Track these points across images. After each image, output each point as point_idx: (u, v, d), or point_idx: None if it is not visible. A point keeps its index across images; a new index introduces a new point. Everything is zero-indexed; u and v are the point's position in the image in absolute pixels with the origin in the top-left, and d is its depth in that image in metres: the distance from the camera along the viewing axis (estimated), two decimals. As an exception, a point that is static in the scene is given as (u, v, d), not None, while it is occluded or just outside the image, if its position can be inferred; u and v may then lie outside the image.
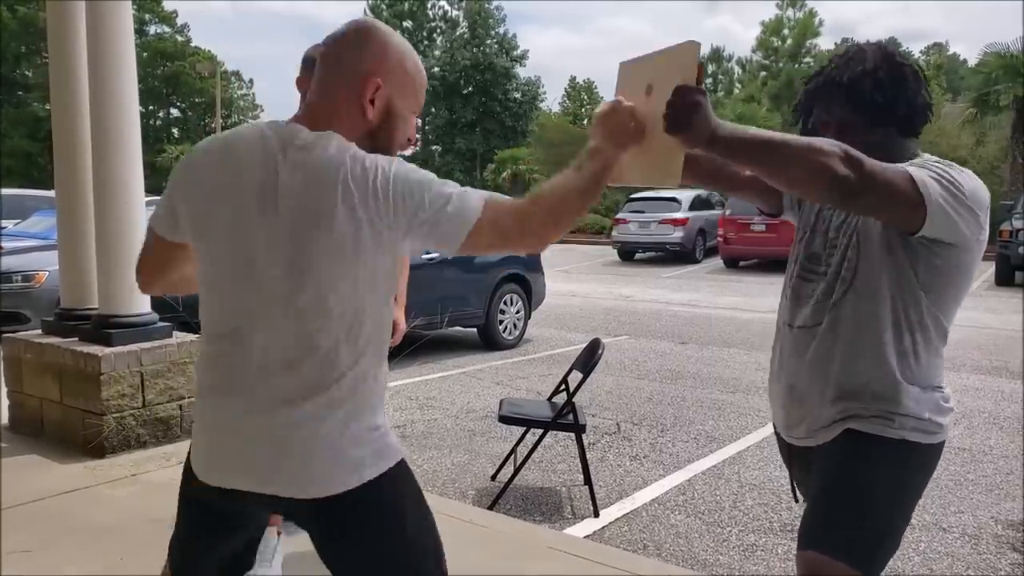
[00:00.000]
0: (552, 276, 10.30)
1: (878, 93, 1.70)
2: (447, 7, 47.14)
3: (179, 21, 43.66)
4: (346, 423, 1.40)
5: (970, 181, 1.61)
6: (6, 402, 4.68)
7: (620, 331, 9.53)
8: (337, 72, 1.43)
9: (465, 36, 45.48)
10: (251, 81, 49.10)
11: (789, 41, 32.91)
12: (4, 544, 2.93)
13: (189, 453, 1.53)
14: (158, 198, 1.59)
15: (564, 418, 3.98)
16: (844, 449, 1.73)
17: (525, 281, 8.52)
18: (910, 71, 1.74)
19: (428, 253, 7.36)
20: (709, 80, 36.48)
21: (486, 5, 45.10)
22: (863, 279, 1.69)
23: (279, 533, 2.62)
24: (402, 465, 1.47)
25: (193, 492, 1.50)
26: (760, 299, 12.32)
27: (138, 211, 4.25)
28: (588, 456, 4.21)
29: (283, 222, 1.35)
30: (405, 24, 46.75)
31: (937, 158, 1.67)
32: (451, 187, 1.38)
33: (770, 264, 16.58)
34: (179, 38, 43.36)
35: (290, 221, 1.35)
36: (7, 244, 8.16)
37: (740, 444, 5.07)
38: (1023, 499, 4.17)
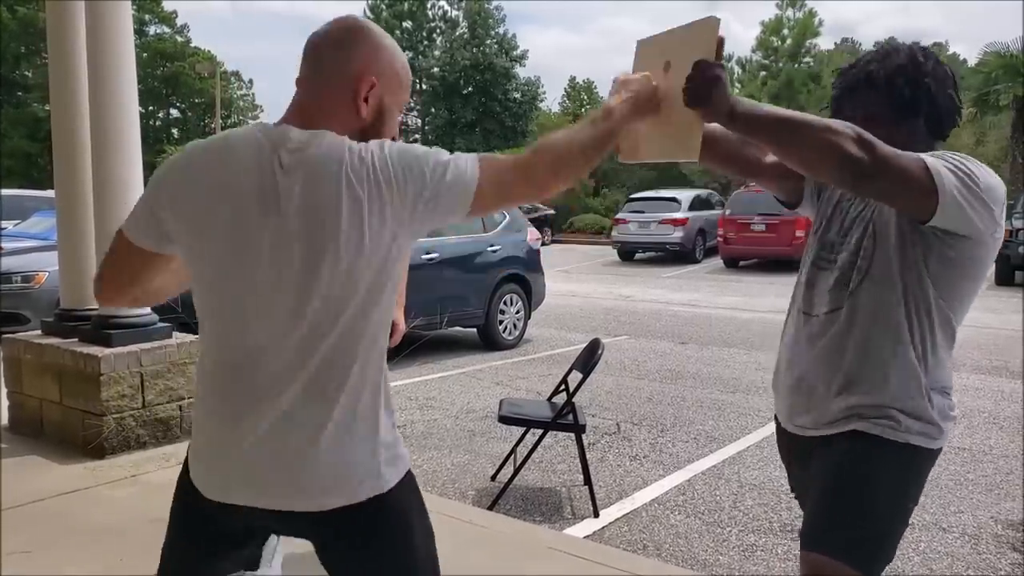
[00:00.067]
0: (552, 276, 10.31)
1: (909, 89, 1.71)
2: (447, 7, 47.14)
3: (179, 21, 43.65)
4: (358, 433, 1.37)
5: (986, 175, 1.60)
6: (6, 403, 4.68)
7: (620, 331, 9.53)
8: (330, 71, 1.41)
9: (465, 36, 45.46)
10: (251, 81, 49.05)
11: (789, 41, 32.87)
12: (4, 545, 2.93)
13: (186, 469, 1.46)
14: None
15: (564, 418, 3.98)
16: (847, 450, 1.73)
17: (525, 281, 8.53)
18: (943, 72, 1.74)
19: (428, 253, 7.40)
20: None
21: (486, 5, 45.07)
22: (879, 268, 1.69)
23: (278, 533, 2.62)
24: (410, 474, 1.46)
25: (193, 510, 1.44)
26: (760, 299, 12.32)
27: (138, 212, 4.24)
28: (588, 456, 4.21)
29: (286, 223, 1.32)
30: (405, 24, 46.75)
31: (955, 152, 1.67)
32: (444, 155, 1.37)
33: (770, 264, 16.58)
34: (179, 38, 43.32)
35: (294, 221, 1.31)
36: (7, 245, 8.16)
37: (740, 444, 5.07)
38: (1023, 499, 4.17)
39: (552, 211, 24.52)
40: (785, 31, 33.00)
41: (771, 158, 1.88)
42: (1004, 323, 9.75)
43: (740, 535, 3.69)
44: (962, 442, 5.08)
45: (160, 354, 4.27)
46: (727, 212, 17.27)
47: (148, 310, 4.34)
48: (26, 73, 35.77)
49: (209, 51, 43.30)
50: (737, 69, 34.10)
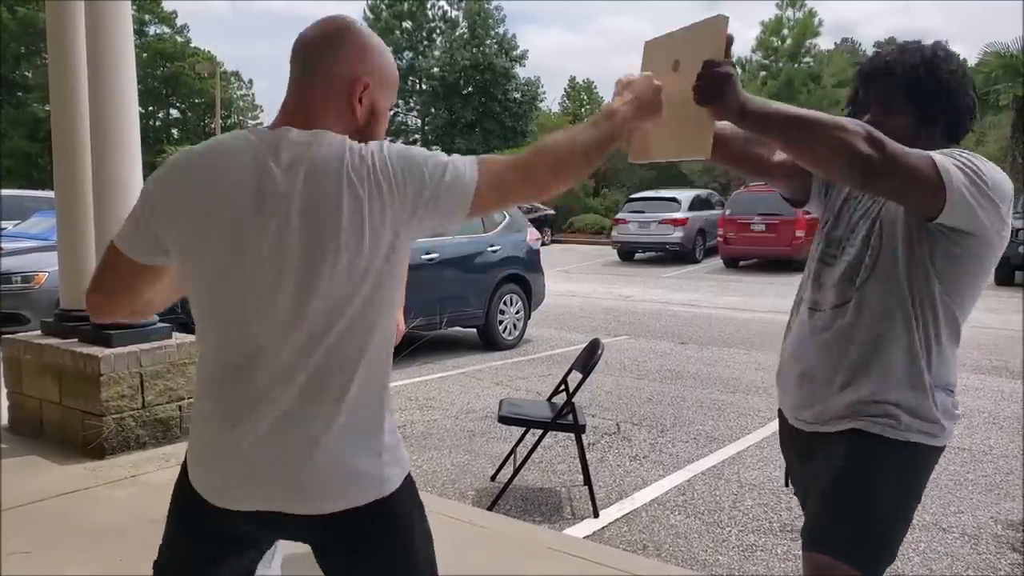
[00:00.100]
0: (552, 276, 10.31)
1: (930, 83, 1.72)
2: (447, 7, 47.12)
3: (179, 22, 43.64)
4: (359, 435, 1.36)
5: (994, 172, 1.61)
6: (6, 403, 4.68)
7: (620, 331, 9.53)
8: (324, 73, 1.40)
9: (465, 36, 45.45)
10: (251, 81, 49.06)
11: (789, 41, 32.86)
12: (4, 545, 2.93)
13: (184, 472, 1.45)
14: None
15: (564, 418, 3.98)
16: (848, 449, 1.73)
17: (525, 281, 8.53)
18: (964, 72, 1.76)
19: (428, 253, 7.40)
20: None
21: (486, 5, 45.07)
22: (885, 264, 1.70)
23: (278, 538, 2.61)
24: (410, 476, 1.45)
25: (192, 514, 1.43)
26: (760, 299, 12.32)
27: (138, 212, 4.25)
28: (588, 456, 4.21)
29: (287, 223, 1.31)
30: (405, 24, 46.73)
31: (963, 149, 1.68)
32: (443, 157, 1.37)
33: (770, 264, 16.59)
34: (179, 39, 43.32)
35: (295, 220, 1.30)
36: (7, 245, 8.16)
37: (740, 444, 5.07)
38: (1023, 499, 4.17)
39: (552, 211, 24.52)
40: (785, 31, 32.98)
41: (779, 157, 1.89)
42: (1004, 323, 9.75)
43: (740, 535, 3.69)
44: (962, 442, 5.08)
45: (160, 354, 4.27)
46: (727, 212, 17.27)
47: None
48: (26, 73, 35.78)
49: (209, 51, 43.33)
50: (737, 69, 34.12)
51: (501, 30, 45.68)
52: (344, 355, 1.34)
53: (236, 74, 47.76)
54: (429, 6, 46.83)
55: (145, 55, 38.52)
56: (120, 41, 4.19)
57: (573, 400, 4.01)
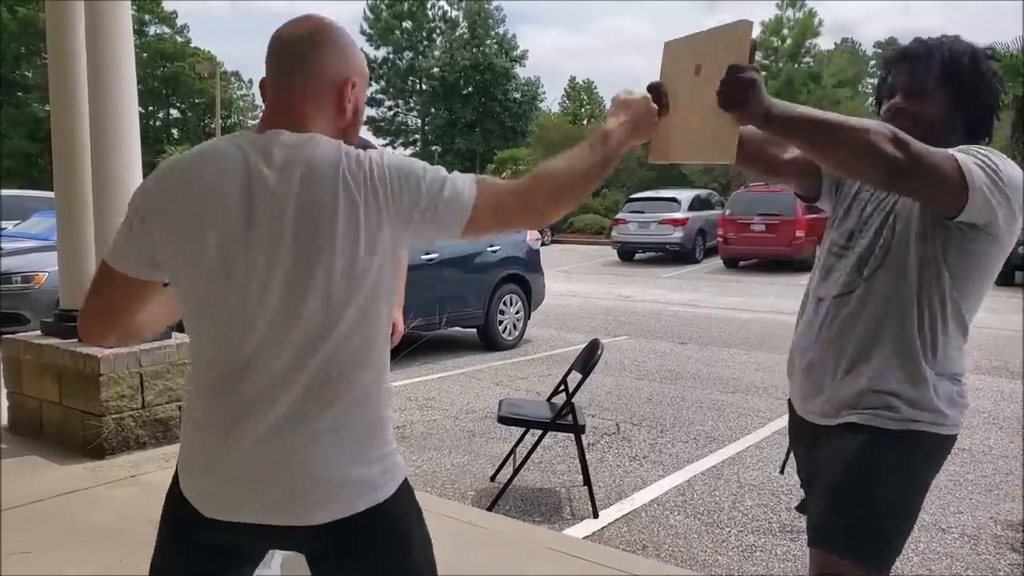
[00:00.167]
0: (552, 276, 10.31)
1: (972, 75, 1.73)
2: (447, 7, 47.18)
3: (179, 22, 43.70)
4: (352, 444, 1.34)
5: (1008, 167, 1.62)
6: (6, 403, 4.68)
7: (620, 331, 9.53)
8: (315, 74, 1.38)
9: (465, 36, 45.48)
10: (251, 81, 49.01)
11: (789, 41, 32.90)
12: (4, 545, 2.94)
13: (176, 483, 1.42)
14: None
15: (563, 419, 3.98)
16: (849, 444, 1.74)
17: (525, 281, 8.53)
18: (995, 72, 1.77)
19: (428, 253, 7.40)
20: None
21: (486, 5, 45.10)
22: (895, 258, 1.71)
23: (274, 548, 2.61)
24: (406, 481, 1.43)
25: (183, 525, 1.40)
26: (760, 299, 12.33)
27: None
28: (587, 457, 4.21)
29: (281, 225, 1.28)
30: (405, 24, 46.78)
31: (978, 146, 1.69)
32: (442, 172, 1.36)
33: (770, 264, 16.60)
34: (179, 39, 43.35)
35: (289, 223, 1.29)
36: (7, 245, 8.16)
37: (739, 445, 5.07)
38: (1022, 499, 4.17)
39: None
40: (785, 31, 33.01)
41: (790, 154, 1.90)
42: (1004, 323, 9.75)
43: (739, 536, 3.69)
44: (962, 442, 5.07)
45: (159, 355, 4.27)
46: (727, 212, 17.29)
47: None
48: (26, 73, 35.80)
49: (209, 51, 43.40)
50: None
51: (501, 30, 45.74)
52: (338, 362, 1.32)
53: (236, 74, 47.80)
54: (429, 6, 46.88)
55: (145, 55, 38.54)
56: (120, 41, 4.19)
57: (573, 400, 4.01)
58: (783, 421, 5.57)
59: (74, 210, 4.53)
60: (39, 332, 4.70)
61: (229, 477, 1.34)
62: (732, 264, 17.45)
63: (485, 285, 8.06)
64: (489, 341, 8.26)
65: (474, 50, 44.00)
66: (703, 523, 3.83)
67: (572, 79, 45.99)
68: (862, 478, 1.71)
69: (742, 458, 4.81)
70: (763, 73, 1.44)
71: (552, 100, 56.98)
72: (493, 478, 4.39)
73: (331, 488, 1.32)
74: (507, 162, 32.72)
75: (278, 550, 2.61)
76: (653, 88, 1.65)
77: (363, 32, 46.47)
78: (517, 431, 4.38)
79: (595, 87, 45.05)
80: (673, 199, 18.76)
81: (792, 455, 2.05)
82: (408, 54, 47.10)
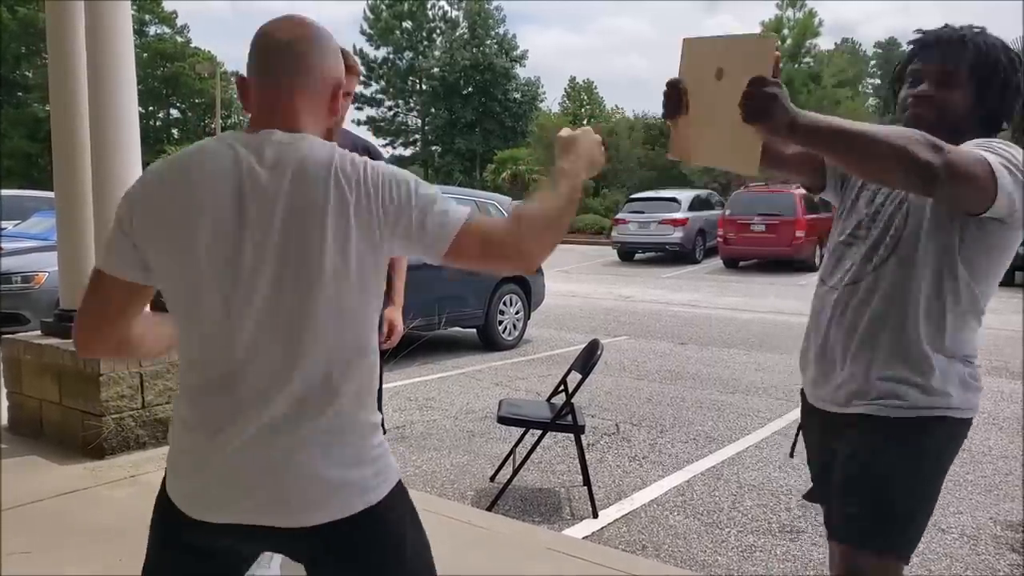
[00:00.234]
0: (552, 276, 10.31)
1: (1007, 69, 1.73)
2: (447, 7, 47.17)
3: (179, 22, 43.70)
4: (344, 445, 1.33)
5: (1020, 156, 1.63)
6: (5, 403, 4.68)
7: (620, 331, 9.53)
8: (308, 75, 1.38)
9: (465, 36, 45.48)
10: (251, 82, 49.03)
11: (789, 41, 32.87)
12: (4, 545, 2.94)
13: (164, 486, 1.40)
14: None
15: (563, 419, 3.98)
16: (860, 436, 1.77)
17: (524, 281, 8.53)
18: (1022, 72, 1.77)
19: (427, 254, 7.39)
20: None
21: (486, 5, 45.10)
22: (907, 247, 1.72)
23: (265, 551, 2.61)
24: (400, 483, 1.42)
25: (172, 529, 1.39)
26: (760, 299, 12.33)
27: (137, 212, 4.25)
28: (587, 457, 4.22)
29: (271, 225, 1.28)
30: (405, 24, 46.76)
31: (999, 139, 1.69)
32: (434, 189, 1.36)
33: (770, 264, 16.61)
34: (179, 39, 43.36)
35: (280, 222, 1.28)
36: (7, 245, 8.17)
37: (739, 445, 5.08)
38: (1022, 500, 4.17)
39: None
40: (785, 31, 32.98)
41: (793, 149, 1.91)
42: (1004, 323, 9.76)
43: (739, 536, 3.69)
44: (961, 443, 5.08)
45: (160, 354, 4.26)
46: (727, 212, 17.29)
47: (148, 310, 4.33)
48: (26, 73, 35.81)
49: (209, 51, 43.42)
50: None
51: (501, 30, 45.74)
52: (333, 359, 1.32)
53: (236, 74, 47.65)
54: (429, 6, 46.87)
55: (145, 55, 38.55)
56: (120, 41, 4.19)
57: (572, 400, 4.01)
58: (783, 421, 5.60)
59: (74, 210, 4.52)
60: (39, 332, 4.69)
61: (216, 478, 1.33)
62: (732, 264, 17.45)
63: (485, 285, 8.06)
64: (489, 341, 8.27)
65: (474, 50, 44.00)
66: (703, 523, 3.83)
67: (572, 79, 45.94)
68: (875, 470, 1.74)
69: (742, 458, 4.81)
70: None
71: (552, 100, 56.90)
72: (493, 478, 4.39)
73: (323, 490, 1.31)
74: (507, 162, 32.70)
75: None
76: (673, 85, 1.66)
77: (363, 32, 46.54)
78: (517, 431, 4.38)
79: (595, 87, 45.02)
80: (673, 199, 18.77)
81: (803, 440, 2.07)
82: (408, 54, 47.10)
